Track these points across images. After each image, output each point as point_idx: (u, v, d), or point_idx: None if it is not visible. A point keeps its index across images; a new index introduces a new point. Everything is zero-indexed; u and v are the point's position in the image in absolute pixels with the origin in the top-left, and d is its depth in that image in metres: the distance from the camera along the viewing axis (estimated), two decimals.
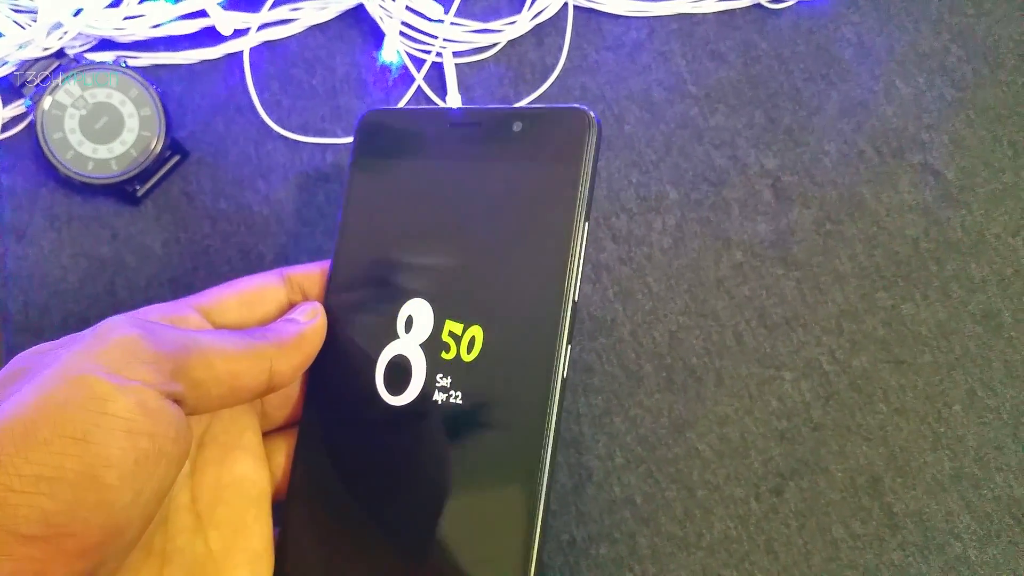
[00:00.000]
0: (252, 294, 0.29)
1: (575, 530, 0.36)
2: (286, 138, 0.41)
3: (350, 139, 0.41)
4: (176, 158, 0.40)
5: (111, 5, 0.40)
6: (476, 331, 0.29)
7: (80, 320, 0.38)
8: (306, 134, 0.41)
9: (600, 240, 0.40)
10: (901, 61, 0.43)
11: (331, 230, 0.40)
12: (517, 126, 0.30)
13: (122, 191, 0.39)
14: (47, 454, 0.20)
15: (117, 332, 0.23)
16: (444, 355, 0.29)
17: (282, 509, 0.29)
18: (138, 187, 0.39)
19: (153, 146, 0.39)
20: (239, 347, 0.26)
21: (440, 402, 0.28)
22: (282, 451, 0.30)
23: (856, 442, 0.37)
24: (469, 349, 0.29)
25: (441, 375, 0.29)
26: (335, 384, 0.30)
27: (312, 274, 0.31)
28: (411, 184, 0.31)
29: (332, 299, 0.31)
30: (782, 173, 0.41)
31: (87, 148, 0.38)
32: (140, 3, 0.40)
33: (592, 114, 0.29)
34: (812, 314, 0.39)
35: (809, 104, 0.42)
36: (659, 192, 0.41)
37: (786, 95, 0.42)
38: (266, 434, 0.30)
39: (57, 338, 0.36)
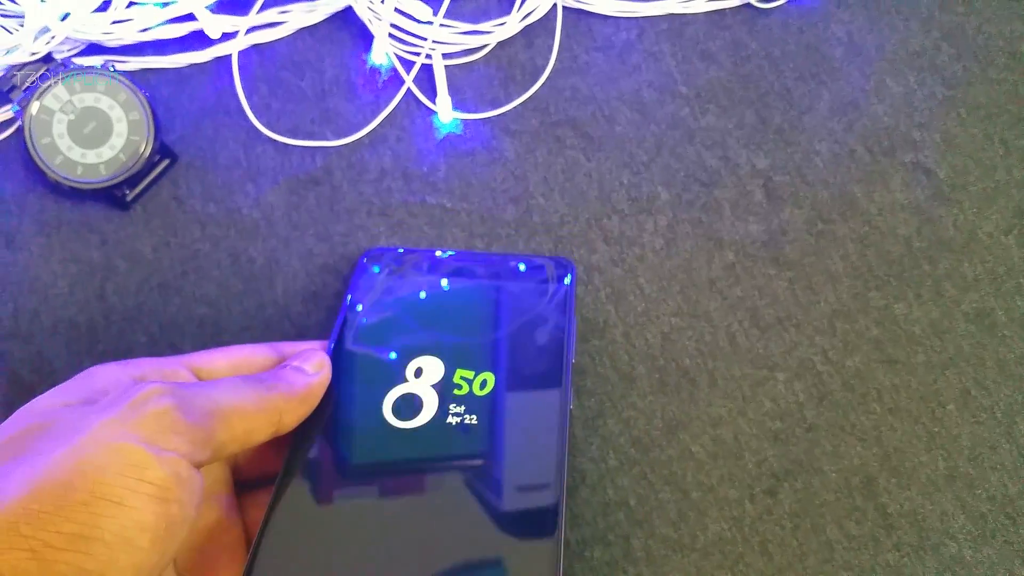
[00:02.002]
0: (243, 361, 0.31)
1: (568, 533, 0.36)
2: (275, 141, 0.41)
3: (340, 141, 0.41)
4: (165, 162, 0.40)
5: (99, 9, 0.40)
6: (487, 376, 0.31)
7: (70, 325, 0.38)
8: (295, 137, 0.41)
9: (592, 242, 0.40)
10: (892, 59, 0.42)
11: (322, 234, 0.39)
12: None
13: (111, 196, 0.39)
14: (86, 514, 0.21)
15: (153, 404, 0.24)
16: (456, 392, 0.31)
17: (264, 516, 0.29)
18: (127, 192, 0.39)
19: (142, 150, 0.38)
20: (254, 404, 0.27)
21: (454, 424, 0.30)
22: (254, 507, 0.30)
23: (850, 442, 0.37)
24: (481, 387, 0.31)
25: (454, 404, 0.30)
26: (336, 414, 0.31)
27: (303, 350, 0.32)
28: (418, 279, 0.36)
29: (338, 353, 0.33)
30: (773, 173, 0.41)
31: (76, 153, 0.38)
32: (128, 7, 0.40)
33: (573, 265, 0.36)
34: (805, 314, 0.39)
35: (800, 103, 0.42)
36: (650, 193, 0.40)
37: (777, 95, 0.42)
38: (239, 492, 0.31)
39: (48, 344, 0.36)
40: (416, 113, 0.41)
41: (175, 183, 0.40)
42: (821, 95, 0.42)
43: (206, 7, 0.40)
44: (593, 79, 0.42)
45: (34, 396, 0.37)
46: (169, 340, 0.38)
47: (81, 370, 0.37)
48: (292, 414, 0.29)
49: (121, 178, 0.38)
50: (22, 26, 0.39)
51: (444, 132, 0.41)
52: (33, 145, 0.38)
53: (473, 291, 0.35)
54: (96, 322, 0.38)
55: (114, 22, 0.40)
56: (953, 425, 0.38)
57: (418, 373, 0.32)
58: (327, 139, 0.41)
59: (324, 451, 0.30)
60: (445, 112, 0.41)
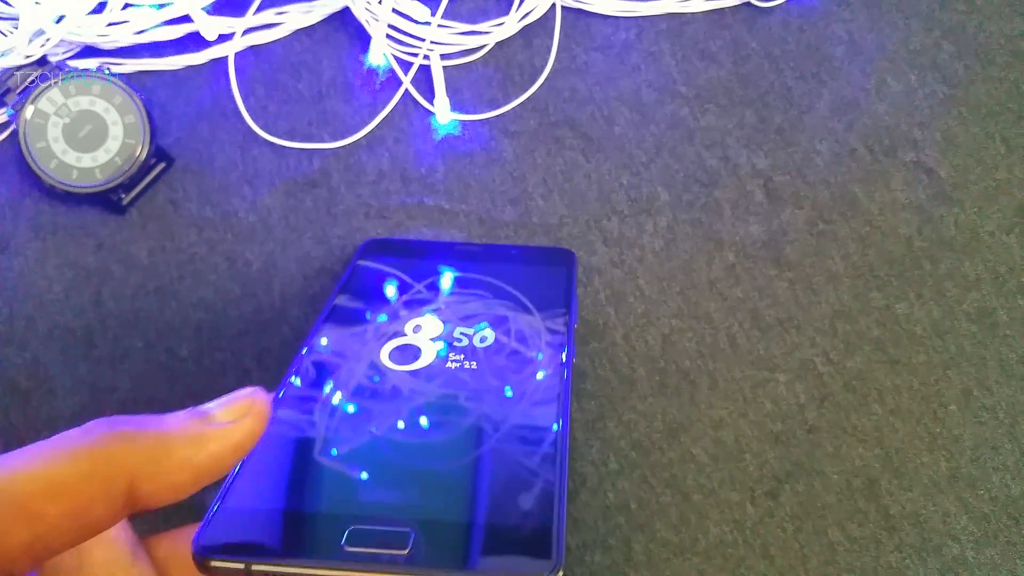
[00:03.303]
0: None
1: (569, 537, 0.36)
2: (272, 144, 0.40)
3: (337, 143, 0.40)
4: (161, 166, 0.39)
5: (94, 11, 0.40)
6: (487, 332, 0.31)
7: (66, 331, 0.38)
8: (293, 139, 0.40)
9: (591, 243, 0.39)
10: (892, 58, 0.42)
11: (320, 237, 0.39)
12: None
13: (107, 200, 0.39)
14: None
15: None
16: (456, 344, 0.30)
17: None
18: (123, 196, 0.39)
19: (138, 154, 0.38)
20: (74, 467, 0.18)
21: (454, 367, 0.29)
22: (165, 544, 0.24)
23: (851, 444, 0.37)
24: (481, 341, 0.31)
25: (454, 353, 0.30)
26: (326, 362, 0.30)
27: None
28: (418, 257, 0.36)
29: (332, 312, 0.32)
30: (774, 173, 0.40)
31: (71, 157, 0.38)
32: (124, 9, 0.40)
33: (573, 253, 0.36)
34: (806, 315, 0.39)
35: (800, 103, 0.41)
36: (650, 194, 0.40)
37: (777, 94, 0.42)
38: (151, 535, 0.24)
39: (43, 350, 0.35)
40: (414, 114, 0.41)
41: (171, 187, 0.40)
42: (821, 94, 0.42)
43: (202, 8, 0.40)
44: (592, 79, 0.42)
45: (30, 402, 0.37)
46: (166, 345, 0.38)
47: (76, 376, 0.37)
48: (162, 477, 0.19)
49: (117, 182, 0.38)
50: (16, 28, 0.39)
51: (442, 133, 0.41)
52: (28, 149, 0.37)
53: (474, 265, 0.35)
54: (92, 327, 0.38)
55: (109, 24, 0.40)
56: (955, 426, 0.37)
57: (416, 329, 0.31)
58: (324, 141, 0.40)
59: (312, 386, 0.28)
60: (443, 113, 0.41)
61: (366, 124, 0.41)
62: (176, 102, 0.41)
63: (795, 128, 0.41)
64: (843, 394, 0.38)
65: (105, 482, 0.18)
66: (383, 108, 0.41)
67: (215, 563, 0.22)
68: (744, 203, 0.40)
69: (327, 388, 0.28)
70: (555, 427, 0.27)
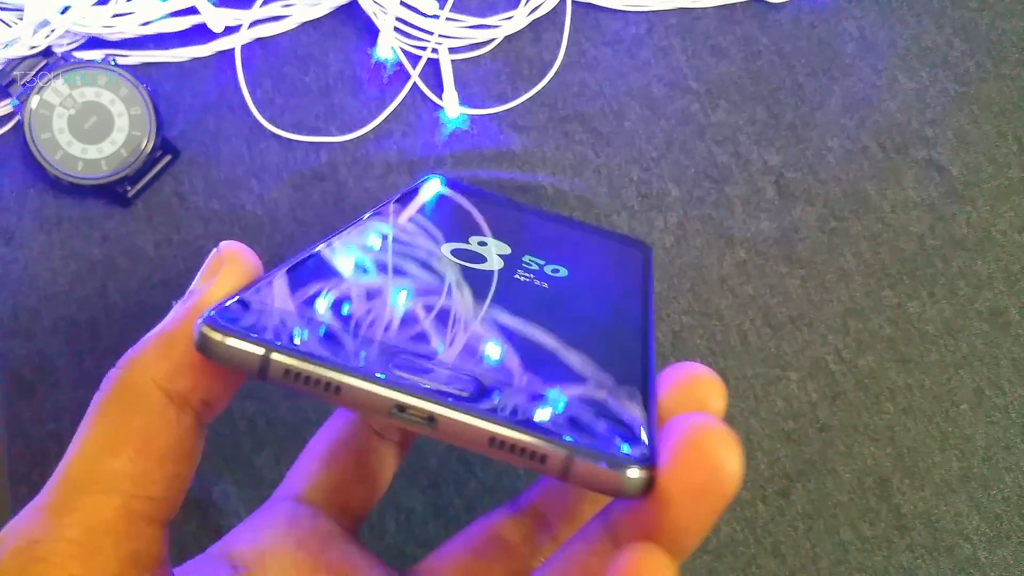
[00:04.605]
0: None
1: None
2: (279, 137, 0.40)
3: (345, 137, 0.40)
4: (167, 158, 0.39)
5: (99, 2, 0.39)
6: (560, 268, 0.27)
7: (71, 323, 0.37)
8: (299, 132, 0.40)
9: None
10: (904, 55, 0.42)
11: (327, 229, 0.39)
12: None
13: (113, 192, 0.38)
14: None
15: None
16: (526, 265, 0.26)
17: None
18: (129, 188, 0.38)
19: (144, 146, 0.38)
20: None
21: (522, 279, 0.25)
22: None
23: (863, 442, 0.37)
24: (554, 272, 0.26)
25: (522, 271, 0.26)
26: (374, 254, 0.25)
27: None
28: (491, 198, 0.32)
29: (380, 215, 0.27)
30: (785, 170, 0.40)
31: (76, 148, 0.37)
32: (129, 0, 0.39)
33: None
34: (817, 313, 0.38)
35: (811, 99, 0.41)
36: (660, 189, 0.40)
37: (788, 90, 0.41)
38: None
39: (48, 343, 0.35)
40: (422, 108, 0.41)
41: (177, 179, 0.39)
42: (833, 91, 0.41)
43: (208, 0, 0.40)
44: (602, 74, 0.41)
45: (35, 394, 0.36)
46: None
47: (82, 369, 0.37)
48: (182, 365, 0.19)
49: (122, 174, 0.38)
50: (21, 19, 0.38)
51: (450, 127, 0.41)
52: (33, 140, 0.37)
53: (551, 220, 0.32)
54: (97, 320, 0.38)
55: (115, 15, 0.39)
56: (967, 425, 0.37)
57: (482, 243, 0.27)
58: (332, 135, 0.40)
59: (369, 243, 0.24)
60: (451, 107, 0.40)
61: (374, 118, 0.40)
62: (182, 94, 0.40)
63: (806, 125, 0.41)
64: (855, 392, 0.37)
65: (144, 404, 0.19)
66: (391, 102, 0.40)
67: (229, 341, 0.18)
68: (755, 200, 0.40)
69: (386, 249, 0.24)
70: (641, 346, 0.23)
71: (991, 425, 0.37)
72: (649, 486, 0.17)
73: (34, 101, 0.37)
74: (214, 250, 0.21)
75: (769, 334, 0.38)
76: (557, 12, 0.42)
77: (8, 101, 0.39)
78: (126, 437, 0.19)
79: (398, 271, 0.23)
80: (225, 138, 0.40)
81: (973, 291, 0.39)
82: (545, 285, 0.25)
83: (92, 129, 0.38)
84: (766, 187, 0.40)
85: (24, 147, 0.37)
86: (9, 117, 0.39)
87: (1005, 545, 0.36)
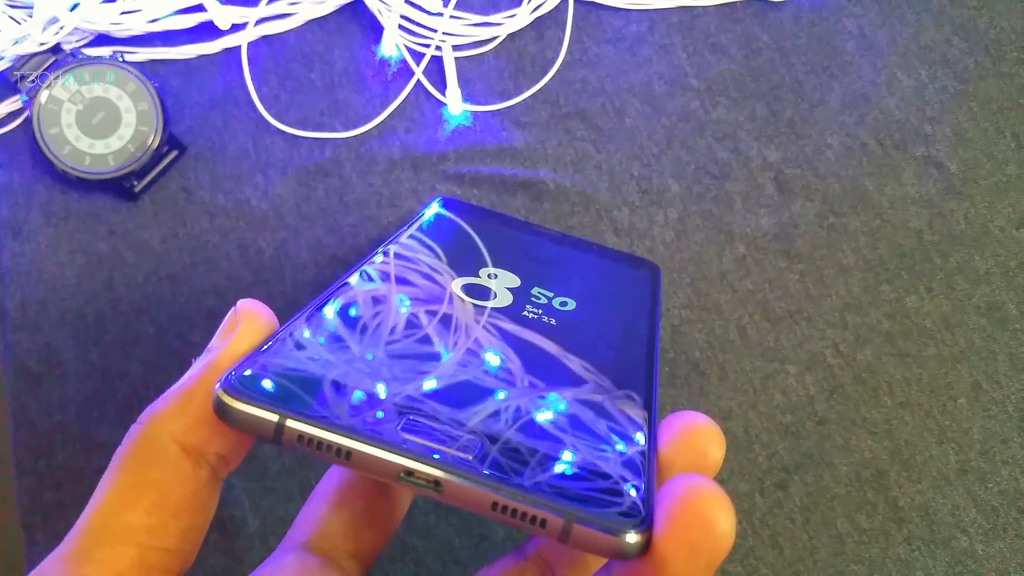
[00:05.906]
0: None
1: None
2: (284, 133, 0.40)
3: (349, 133, 0.40)
4: (174, 153, 0.39)
5: (107, 0, 0.40)
6: (569, 300, 0.27)
7: (78, 316, 0.38)
8: (305, 129, 0.40)
9: (602, 233, 0.39)
10: (903, 53, 0.42)
11: (332, 225, 0.39)
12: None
13: (120, 187, 0.39)
14: None
15: None
16: (535, 300, 0.27)
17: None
18: (136, 183, 0.39)
19: (151, 141, 0.38)
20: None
21: (530, 317, 0.26)
22: None
23: (861, 436, 0.37)
24: (562, 305, 0.27)
25: (531, 306, 0.26)
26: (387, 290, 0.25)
27: None
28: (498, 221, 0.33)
29: (397, 253, 0.28)
30: (784, 166, 0.41)
31: (84, 143, 0.38)
32: None
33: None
34: (816, 307, 0.39)
35: (811, 97, 0.42)
36: (661, 185, 0.40)
37: (788, 88, 0.42)
38: None
39: (55, 336, 0.35)
40: (426, 105, 0.41)
41: (184, 174, 0.40)
42: (832, 88, 0.42)
43: None
44: (604, 71, 0.42)
45: (41, 386, 0.37)
46: (177, 331, 0.38)
47: (88, 361, 0.37)
48: (198, 420, 0.20)
49: (129, 169, 0.38)
50: (31, 16, 0.39)
51: (453, 124, 0.41)
52: (41, 135, 0.38)
53: (559, 244, 0.32)
54: (104, 313, 0.38)
55: (123, 13, 0.40)
56: (964, 419, 0.37)
57: (492, 276, 0.27)
58: (336, 131, 0.41)
59: (376, 289, 0.25)
60: (455, 104, 0.41)
61: (378, 114, 0.41)
62: (189, 90, 0.41)
63: (806, 121, 0.41)
64: (853, 386, 0.38)
65: (162, 458, 0.20)
66: (395, 98, 0.41)
67: (244, 408, 0.18)
68: (755, 195, 0.40)
69: (394, 292, 0.25)
70: (645, 388, 0.24)
71: (988, 419, 0.37)
72: (645, 548, 0.18)
73: (43, 97, 0.38)
74: (232, 309, 0.22)
75: (768, 328, 0.38)
76: (559, 10, 0.42)
77: (17, 97, 0.39)
78: (143, 490, 0.20)
79: (410, 324, 0.24)
80: (231, 134, 0.40)
81: (971, 286, 0.39)
82: (553, 322, 0.26)
83: (100, 125, 0.38)
84: (766, 183, 0.40)
85: (32, 142, 0.38)
86: (18, 113, 0.40)
87: (1001, 537, 0.36)
